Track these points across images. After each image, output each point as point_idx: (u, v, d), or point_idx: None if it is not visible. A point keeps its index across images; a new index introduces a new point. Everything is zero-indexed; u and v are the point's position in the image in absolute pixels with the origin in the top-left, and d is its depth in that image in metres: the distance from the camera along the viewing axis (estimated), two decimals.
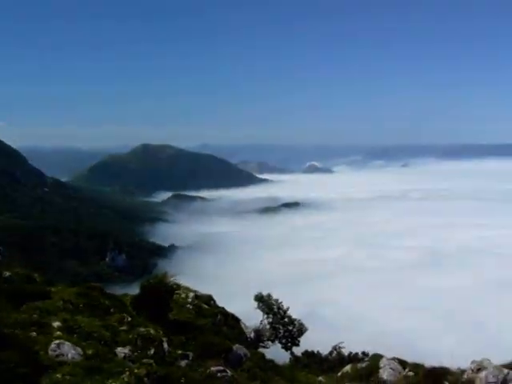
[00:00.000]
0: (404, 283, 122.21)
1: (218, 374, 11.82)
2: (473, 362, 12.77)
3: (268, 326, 22.32)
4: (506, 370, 11.98)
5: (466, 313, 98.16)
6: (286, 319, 22.46)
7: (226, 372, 12.08)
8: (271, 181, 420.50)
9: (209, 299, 21.39)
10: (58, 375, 9.37)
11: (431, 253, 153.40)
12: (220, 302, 22.01)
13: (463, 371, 12.91)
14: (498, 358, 16.65)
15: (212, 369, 11.97)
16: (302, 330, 22.52)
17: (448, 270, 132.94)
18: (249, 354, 15.02)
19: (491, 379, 11.40)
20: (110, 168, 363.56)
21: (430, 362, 14.45)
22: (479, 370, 12.17)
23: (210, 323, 18.54)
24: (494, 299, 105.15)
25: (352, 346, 22.32)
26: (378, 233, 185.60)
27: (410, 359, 16.82)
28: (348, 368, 16.78)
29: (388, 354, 17.68)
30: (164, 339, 12.47)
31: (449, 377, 12.44)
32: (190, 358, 12.63)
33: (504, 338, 61.96)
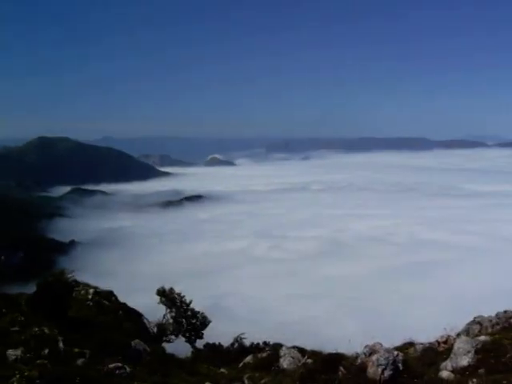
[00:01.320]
0: (306, 273, 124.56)
1: (117, 371, 11.50)
2: (366, 347, 13.16)
3: (171, 320, 22.08)
4: (395, 352, 12.43)
5: (365, 300, 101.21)
6: (189, 312, 22.33)
7: (125, 369, 11.76)
8: (173, 174, 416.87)
9: (110, 295, 20.90)
10: None
11: (331, 243, 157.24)
12: (122, 298, 21.54)
13: (357, 356, 13.27)
14: (393, 342, 17.20)
15: (110, 366, 11.60)
16: (205, 323, 22.46)
17: (347, 258, 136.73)
18: (148, 350, 14.72)
19: (382, 361, 11.78)
20: (3, 161, 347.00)
21: (330, 348, 14.73)
22: (371, 353, 12.53)
23: (110, 320, 18.02)
24: (390, 286, 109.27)
25: (256, 336, 22.44)
26: (280, 224, 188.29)
27: (312, 347, 17.09)
28: (249, 358, 16.89)
29: (291, 342, 17.90)
30: (59, 338, 11.93)
31: (343, 362, 12.76)
32: (88, 356, 12.17)
33: (399, 323, 64.50)
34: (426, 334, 18.59)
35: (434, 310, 76.29)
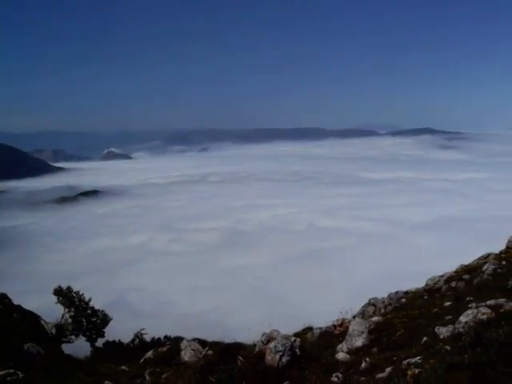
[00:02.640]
0: (208, 264, 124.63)
1: (8, 378, 11.07)
2: (263, 335, 13.47)
3: (70, 320, 21.58)
4: (293, 338, 12.79)
5: (267, 289, 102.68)
6: (88, 311, 21.89)
7: (17, 375, 11.36)
8: (68, 169, 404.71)
9: (2, 298, 20.10)
10: None
11: (232, 233, 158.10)
12: (16, 300, 20.77)
13: (255, 344, 13.56)
14: (294, 328, 17.67)
15: (0, 373, 11.17)
16: (106, 321, 22.13)
17: (249, 248, 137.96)
18: (43, 352, 14.30)
19: (279, 348, 12.09)
20: None
21: (230, 339, 14.94)
22: (269, 341, 12.84)
23: (3, 324, 17.37)
24: (292, 274, 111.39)
25: (159, 331, 22.35)
26: (180, 217, 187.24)
27: (214, 338, 17.25)
28: (150, 353, 16.84)
29: (194, 335, 17.97)
30: None
31: (242, 351, 12.98)
32: None
33: (300, 310, 65.89)
34: (325, 318, 19.22)
35: (334, 294, 78.48)
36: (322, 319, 19.38)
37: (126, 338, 21.82)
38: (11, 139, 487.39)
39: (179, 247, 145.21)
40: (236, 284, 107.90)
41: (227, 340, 15.37)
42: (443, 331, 12.37)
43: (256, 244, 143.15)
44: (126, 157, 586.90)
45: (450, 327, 12.33)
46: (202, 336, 17.98)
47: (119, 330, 22.17)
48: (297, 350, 12.30)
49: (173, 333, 21.19)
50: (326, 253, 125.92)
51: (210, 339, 17.38)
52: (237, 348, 13.23)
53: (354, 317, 18.78)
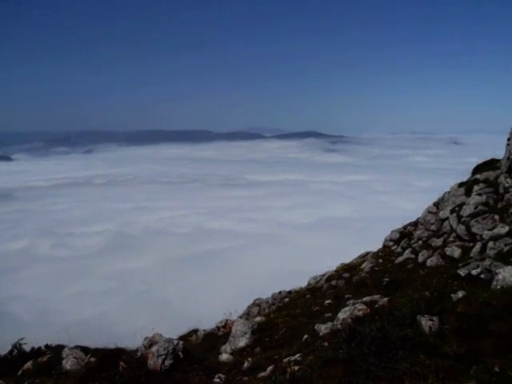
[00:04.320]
0: (94, 269, 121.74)
1: None
2: (145, 339, 13.42)
3: None
4: (175, 341, 12.83)
5: (155, 292, 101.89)
6: None
7: None
8: None
9: None
10: None
11: (118, 237, 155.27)
12: None
13: (137, 349, 13.47)
14: (179, 331, 17.64)
15: None
16: None
17: (136, 252, 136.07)
18: None
19: (162, 352, 12.09)
20: None
21: (113, 345, 14.68)
22: (151, 345, 12.81)
23: None
24: (179, 276, 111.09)
25: (41, 340, 21.53)
26: (62, 221, 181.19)
27: (99, 345, 16.86)
28: (29, 364, 16.20)
29: (78, 342, 17.47)
30: None
31: (123, 357, 12.85)
32: None
33: (187, 312, 65.82)
34: (211, 320, 19.35)
35: (221, 296, 78.95)
36: (208, 322, 19.52)
37: (3, 350, 20.86)
38: None
39: (63, 252, 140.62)
40: (122, 289, 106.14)
41: (110, 346, 15.10)
42: (322, 328, 12.83)
43: (142, 247, 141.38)
44: (6, 158, 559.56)
45: (329, 324, 12.81)
46: (86, 343, 17.54)
47: (1, 342, 21.17)
48: (180, 353, 12.31)
49: (56, 342, 20.50)
50: (212, 255, 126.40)
51: (93, 346, 16.98)
52: (119, 354, 13.04)
53: (239, 318, 19.05)
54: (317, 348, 10.95)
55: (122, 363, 11.99)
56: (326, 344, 10.93)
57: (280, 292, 23.69)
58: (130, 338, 15.40)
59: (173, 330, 15.83)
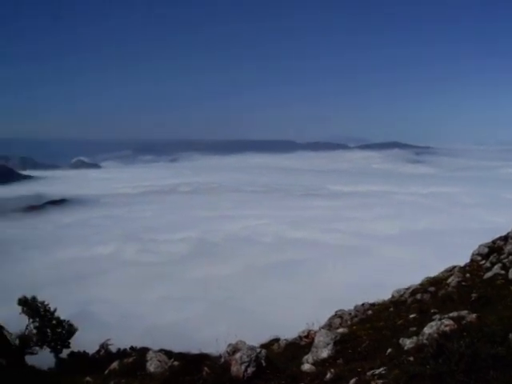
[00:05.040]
0: (177, 275, 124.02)
1: None
2: (229, 346, 13.51)
3: (35, 331, 21.28)
4: (258, 349, 12.83)
5: (235, 300, 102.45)
6: (53, 321, 21.59)
7: None
8: (36, 177, 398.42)
9: None
10: None
11: (202, 244, 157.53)
12: None
13: (221, 355, 13.58)
14: (260, 339, 17.71)
15: None
16: (71, 331, 21.84)
17: (218, 259, 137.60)
18: (4, 363, 14.10)
19: (245, 359, 12.12)
20: None
21: (196, 350, 14.91)
22: (234, 352, 12.87)
23: None
24: (260, 285, 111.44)
25: (125, 342, 22.16)
26: (148, 227, 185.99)
27: (181, 350, 17.19)
28: (115, 364, 16.69)
29: (161, 346, 17.88)
30: None
31: (208, 362, 12.99)
32: None
33: (267, 321, 66.01)
34: (292, 330, 19.30)
35: (301, 306, 78.66)
36: (289, 331, 19.48)
37: (91, 349, 21.58)
38: None
39: (148, 258, 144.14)
40: (204, 295, 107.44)
41: (193, 351, 15.34)
42: (407, 343, 12.55)
43: (225, 255, 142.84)
44: (95, 166, 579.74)
45: (414, 339, 12.51)
46: (169, 347, 17.91)
47: (84, 342, 21.90)
48: (262, 361, 12.34)
49: (139, 344, 21.04)
50: (294, 264, 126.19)
51: (176, 350, 17.30)
52: (203, 359, 13.23)
53: (321, 328, 18.90)
54: (402, 362, 10.71)
55: (205, 368, 12.16)
56: (411, 359, 10.68)
57: (363, 304, 23.34)
58: (212, 344, 15.59)
59: (254, 337, 15.91)
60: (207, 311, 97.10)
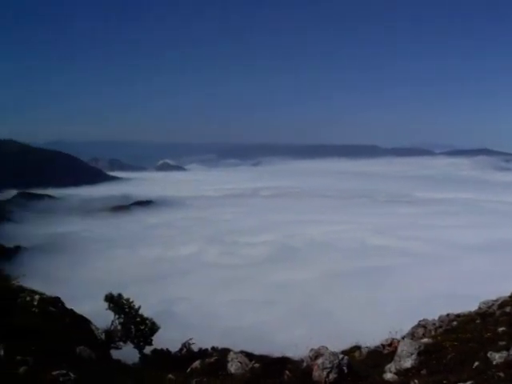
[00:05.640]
0: (256, 278, 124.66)
1: (61, 379, 11.32)
2: (311, 351, 13.38)
3: (119, 327, 21.86)
4: (340, 356, 12.68)
5: (315, 305, 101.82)
6: (137, 319, 22.12)
7: (69, 375, 11.59)
8: (123, 178, 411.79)
9: (56, 302, 20.46)
10: None
11: (282, 248, 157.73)
12: (69, 304, 21.14)
13: (303, 360, 13.46)
14: (340, 346, 17.47)
15: (53, 373, 11.42)
16: (154, 329, 22.29)
17: (298, 264, 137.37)
18: (94, 356, 14.54)
19: (327, 365, 12.01)
20: None
21: (277, 353, 14.88)
22: (316, 357, 12.75)
23: (56, 327, 17.70)
24: (340, 291, 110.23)
25: (204, 342, 22.41)
26: (230, 230, 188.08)
27: (260, 352, 17.20)
28: (197, 363, 16.89)
29: (240, 348, 17.95)
30: (0, 346, 11.70)
31: (289, 366, 12.93)
32: (30, 364, 11.94)
33: (347, 328, 65.14)
34: (373, 337, 18.95)
35: (383, 314, 77.35)
36: (370, 338, 19.13)
37: (171, 347, 21.97)
38: (71, 148, 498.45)
39: (229, 260, 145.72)
40: (283, 299, 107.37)
41: (274, 354, 15.33)
42: (496, 357, 12.06)
43: (305, 260, 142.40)
44: (180, 168, 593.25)
45: (504, 353, 12.02)
46: (248, 349, 17.97)
47: (165, 340, 22.33)
48: (344, 368, 12.18)
49: (218, 345, 21.24)
50: (376, 272, 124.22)
51: (256, 353, 17.34)
52: (284, 362, 13.19)
53: (404, 338, 18.46)
54: (491, 377, 10.29)
55: (287, 372, 12.10)
56: (501, 374, 10.23)
57: (448, 314, 22.62)
58: (291, 348, 15.50)
59: (333, 343, 15.68)
60: (286, 315, 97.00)
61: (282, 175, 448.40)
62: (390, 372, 13.45)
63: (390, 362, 14.31)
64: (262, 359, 15.04)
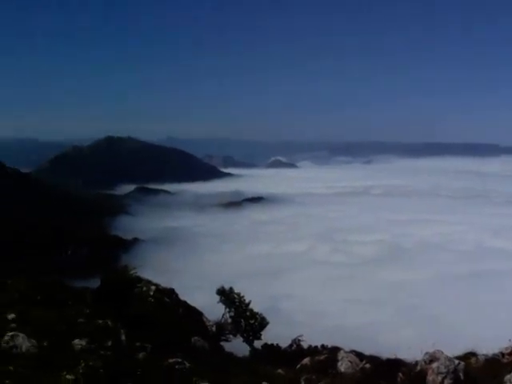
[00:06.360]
0: (366, 277, 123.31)
1: (176, 366, 11.68)
2: (426, 354, 12.97)
3: (230, 320, 22.24)
4: (456, 361, 12.23)
5: (424, 307, 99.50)
6: (247, 313, 22.40)
7: (184, 364, 11.94)
8: (236, 175, 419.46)
9: (171, 293, 21.11)
10: (10, 367, 9.08)
11: (393, 248, 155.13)
12: (182, 296, 21.77)
13: (417, 363, 13.09)
14: (453, 351, 16.82)
15: (170, 361, 11.81)
16: (263, 324, 22.51)
17: (409, 264, 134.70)
18: (207, 347, 14.88)
19: (442, 370, 11.62)
20: (72, 160, 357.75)
21: (387, 354, 14.56)
22: (431, 361, 12.37)
23: (170, 317, 18.28)
24: (451, 293, 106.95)
25: (312, 339, 22.38)
26: (340, 228, 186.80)
27: (369, 352, 16.93)
28: (307, 360, 16.87)
29: (349, 347, 17.77)
30: (122, 331, 12.23)
31: (403, 368, 12.62)
32: (149, 351, 12.42)
33: (460, 332, 63.08)
34: (488, 344, 18.12)
35: (498, 320, 74.11)
36: (486, 345, 18.29)
37: (278, 343, 22.11)
38: (187, 145, 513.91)
39: (338, 258, 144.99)
40: (392, 300, 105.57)
41: (383, 355, 15.04)
42: None
43: (416, 260, 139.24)
44: (292, 165, 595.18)
45: None
46: (357, 349, 17.74)
47: (273, 335, 22.50)
48: (460, 374, 11.74)
49: (327, 343, 21.11)
50: (491, 275, 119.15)
51: (365, 353, 17.10)
52: (396, 364, 12.88)
53: None
54: None
55: (400, 374, 11.82)
56: None
57: None
58: (397, 350, 15.13)
59: (443, 348, 15.13)
60: (393, 316, 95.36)
61: (394, 173, 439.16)
62: (510, 382, 12.78)
63: (510, 372, 13.61)
64: (373, 360, 14.79)
